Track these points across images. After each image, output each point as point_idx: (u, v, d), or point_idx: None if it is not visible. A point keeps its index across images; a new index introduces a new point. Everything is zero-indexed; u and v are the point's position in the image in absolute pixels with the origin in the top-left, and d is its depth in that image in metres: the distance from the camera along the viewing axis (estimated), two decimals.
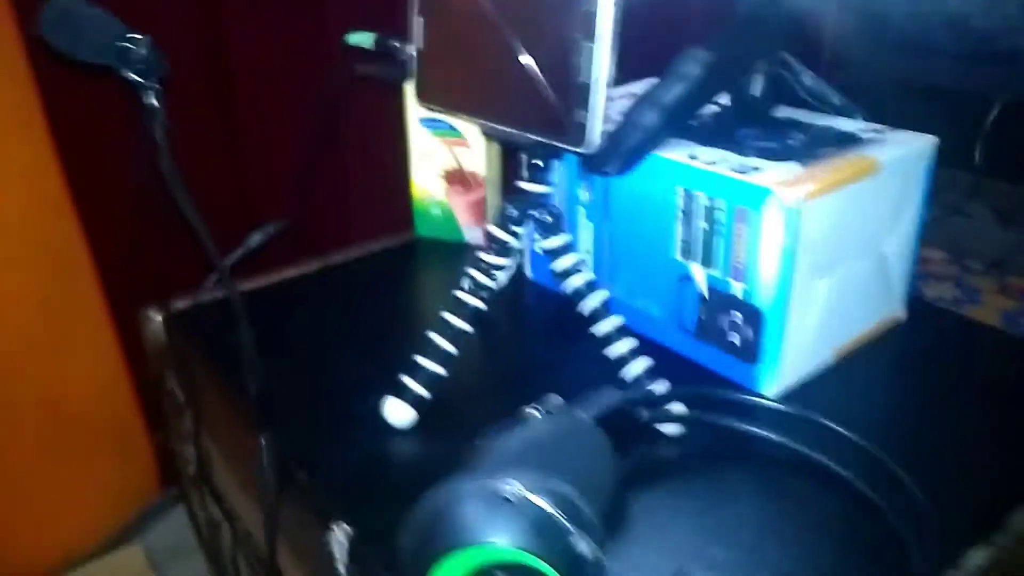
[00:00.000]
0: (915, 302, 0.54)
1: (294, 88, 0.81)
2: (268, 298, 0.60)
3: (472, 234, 0.66)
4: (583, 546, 0.29)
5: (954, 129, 0.55)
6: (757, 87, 0.52)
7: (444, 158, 0.64)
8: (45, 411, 0.91)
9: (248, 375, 0.40)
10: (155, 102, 0.31)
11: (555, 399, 0.35)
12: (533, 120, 0.40)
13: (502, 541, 0.28)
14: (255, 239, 0.60)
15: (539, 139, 0.40)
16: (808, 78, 0.52)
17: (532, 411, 0.34)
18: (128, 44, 0.30)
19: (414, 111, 0.63)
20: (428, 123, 0.63)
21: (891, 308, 0.52)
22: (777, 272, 0.42)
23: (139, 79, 0.30)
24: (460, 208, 0.66)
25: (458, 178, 0.64)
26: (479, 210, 0.65)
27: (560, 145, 0.39)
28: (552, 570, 0.28)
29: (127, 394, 0.99)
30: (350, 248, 0.67)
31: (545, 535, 0.29)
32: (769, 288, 0.43)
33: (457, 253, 0.66)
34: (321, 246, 0.68)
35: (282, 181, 0.73)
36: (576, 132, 0.38)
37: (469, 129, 0.62)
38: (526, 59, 0.39)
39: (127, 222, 0.95)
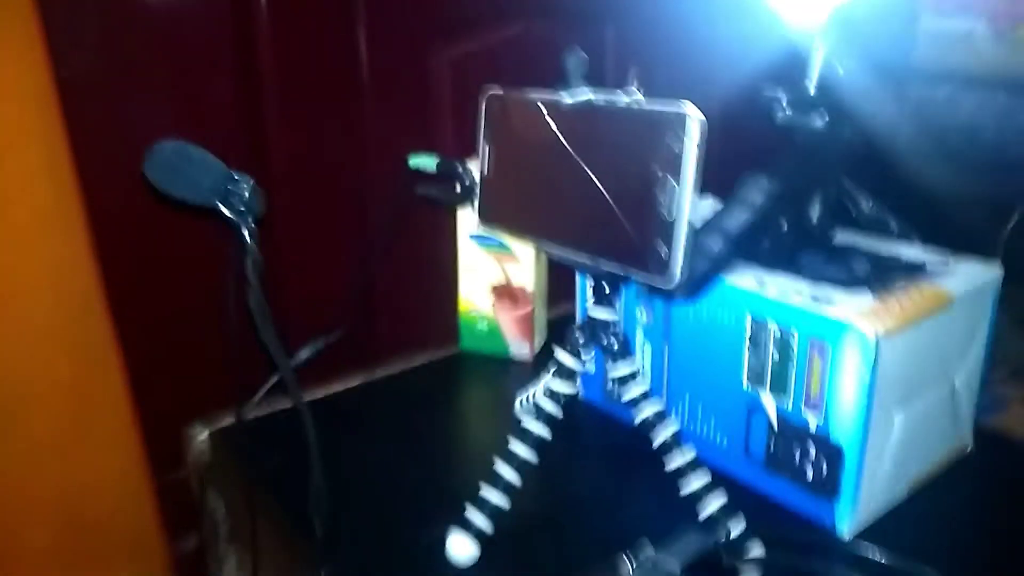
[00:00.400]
0: (982, 431, 0.52)
1: (338, 203, 0.83)
2: (312, 415, 0.59)
3: (518, 349, 0.66)
4: None
5: (973, 237, 0.55)
6: (815, 211, 0.52)
7: (492, 272, 0.64)
8: (62, 514, 0.88)
9: (314, 508, 0.38)
10: (251, 241, 0.31)
11: (646, 545, 0.33)
12: (609, 250, 0.40)
13: None
14: (303, 355, 0.59)
15: (615, 270, 0.40)
16: (865, 202, 0.53)
17: (625, 560, 0.32)
18: (231, 187, 0.30)
19: (464, 225, 0.63)
20: (478, 238, 0.63)
21: (960, 438, 0.51)
22: (855, 406, 0.41)
23: (238, 219, 0.30)
24: (507, 323, 0.65)
25: (506, 293, 0.64)
26: (527, 325, 0.65)
27: (639, 277, 0.39)
28: None
29: (147, 503, 0.96)
30: (394, 361, 0.67)
31: None
32: (847, 422, 0.42)
33: (502, 368, 0.65)
34: (364, 358, 0.67)
35: (326, 295, 0.73)
36: (658, 266, 0.37)
37: (519, 245, 0.62)
38: (604, 192, 0.39)
39: (160, 328, 0.95)
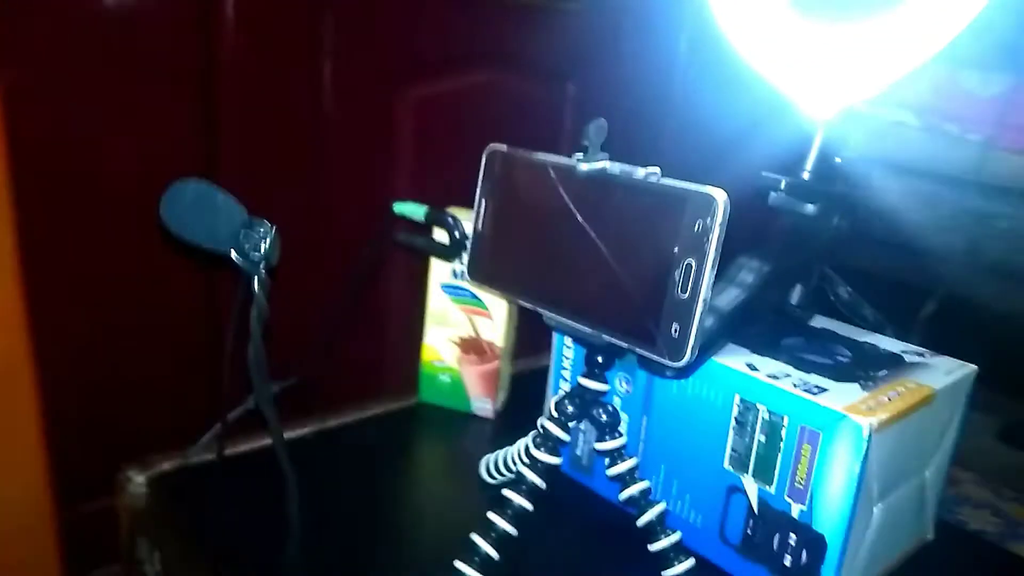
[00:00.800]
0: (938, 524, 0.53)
1: (293, 242, 0.79)
2: (255, 465, 0.55)
3: (480, 405, 0.64)
4: None
5: (891, 319, 0.56)
6: (795, 295, 0.53)
7: (461, 325, 0.62)
8: None
9: (289, 559, 0.35)
10: (260, 291, 0.28)
11: None
12: (613, 323, 0.39)
13: None
14: (250, 403, 0.55)
15: (619, 343, 0.39)
16: (845, 292, 0.54)
17: None
18: (248, 233, 0.27)
19: (436, 275, 0.61)
20: (450, 289, 0.61)
21: (924, 530, 0.51)
22: (842, 496, 0.41)
23: (250, 269, 0.28)
24: (472, 378, 0.63)
25: (473, 347, 0.62)
26: (492, 381, 0.63)
27: (646, 355, 0.38)
28: None
29: (49, 533, 0.89)
30: (348, 410, 0.64)
31: None
32: (832, 512, 0.42)
33: (462, 423, 0.63)
34: (317, 404, 0.64)
35: (289, 338, 0.70)
36: (669, 346, 0.36)
37: (492, 300, 0.61)
38: (613, 264, 0.38)
39: (83, 354, 0.89)
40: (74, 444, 0.88)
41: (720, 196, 0.35)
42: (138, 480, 0.52)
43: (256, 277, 0.28)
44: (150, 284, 0.88)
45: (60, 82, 0.76)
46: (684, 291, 0.36)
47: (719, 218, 0.35)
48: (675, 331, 0.36)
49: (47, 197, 0.79)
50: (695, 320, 0.36)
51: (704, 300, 0.36)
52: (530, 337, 0.71)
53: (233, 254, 0.28)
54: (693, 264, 0.36)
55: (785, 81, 0.46)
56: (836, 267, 0.55)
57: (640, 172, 0.38)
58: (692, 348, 0.36)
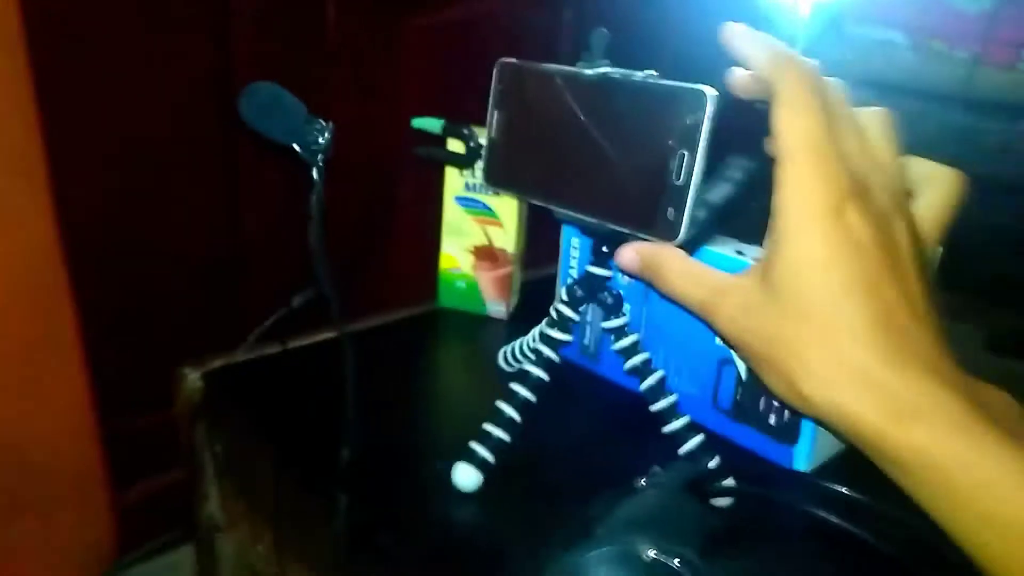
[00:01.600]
0: None
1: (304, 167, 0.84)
2: (299, 361, 0.61)
3: (495, 308, 0.70)
4: None
5: None
6: None
7: (475, 235, 0.68)
8: (9, 456, 0.87)
9: (344, 433, 0.41)
10: (318, 179, 0.34)
11: (657, 470, 0.38)
12: (617, 212, 0.44)
13: None
14: (296, 300, 0.61)
15: (621, 229, 0.44)
16: None
17: (640, 482, 0.37)
18: (309, 129, 0.32)
19: (451, 188, 0.66)
20: (463, 201, 0.66)
21: None
22: None
23: (309, 159, 0.33)
24: (486, 283, 0.69)
25: (487, 254, 0.68)
26: (505, 285, 0.69)
27: (644, 237, 0.43)
28: None
29: (93, 447, 0.95)
30: (371, 316, 0.69)
31: None
32: None
33: (479, 324, 0.69)
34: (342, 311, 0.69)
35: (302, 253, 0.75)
36: (666, 227, 0.42)
37: (503, 209, 0.66)
38: (616, 159, 0.44)
39: (115, 272, 0.94)
40: (111, 363, 0.94)
41: (710, 92, 0.40)
42: (193, 375, 0.58)
43: (315, 167, 0.33)
44: (174, 201, 0.93)
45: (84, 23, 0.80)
46: (678, 178, 0.41)
47: (708, 111, 0.40)
48: (670, 214, 0.42)
49: (74, 131, 0.83)
50: (688, 202, 0.41)
51: (696, 184, 0.41)
52: (539, 250, 0.77)
53: (295, 146, 0.33)
54: (686, 154, 0.41)
55: None
56: None
57: (638, 75, 0.43)
58: (686, 228, 0.41)
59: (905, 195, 0.38)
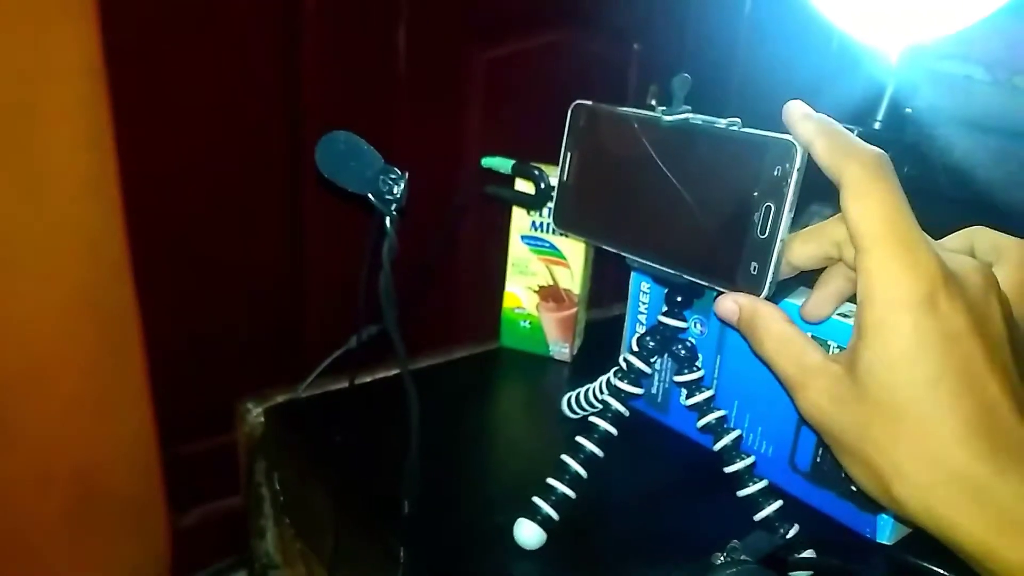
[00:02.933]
0: None
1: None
2: (361, 400, 0.60)
3: (558, 349, 0.68)
4: None
5: None
6: None
7: (540, 274, 0.66)
8: (76, 483, 0.88)
9: (406, 487, 0.40)
10: (391, 230, 0.33)
11: (736, 546, 0.36)
12: (696, 264, 0.42)
13: None
14: (357, 340, 0.60)
15: (699, 282, 0.42)
16: None
17: (718, 558, 0.35)
18: (384, 178, 0.32)
19: (517, 227, 0.65)
20: (529, 240, 0.65)
21: None
22: None
23: (384, 209, 0.32)
24: (550, 324, 0.67)
25: (552, 295, 0.67)
26: (569, 326, 0.67)
27: (725, 291, 0.41)
28: None
29: (155, 471, 0.97)
30: (434, 353, 0.69)
31: None
32: None
33: (541, 366, 0.68)
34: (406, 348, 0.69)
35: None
36: (749, 282, 0.40)
37: (570, 250, 0.65)
38: (696, 209, 0.42)
39: (180, 299, 0.96)
40: (175, 390, 0.95)
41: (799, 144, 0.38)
42: (255, 411, 0.58)
43: (388, 217, 0.32)
44: (240, 231, 0.94)
45: (158, 42, 0.82)
46: (763, 232, 0.39)
47: (797, 163, 0.38)
48: (754, 269, 0.40)
49: (146, 156, 0.85)
50: (773, 258, 0.39)
51: (782, 240, 0.39)
52: (604, 288, 0.75)
53: (371, 197, 0.32)
54: (772, 207, 0.39)
55: (853, 22, 0.48)
56: None
57: (722, 122, 0.41)
58: (770, 284, 0.39)
59: (994, 275, 0.34)
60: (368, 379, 0.63)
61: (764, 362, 0.38)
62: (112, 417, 0.90)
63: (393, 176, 0.32)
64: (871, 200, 0.33)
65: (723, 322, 0.40)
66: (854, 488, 0.47)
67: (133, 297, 0.90)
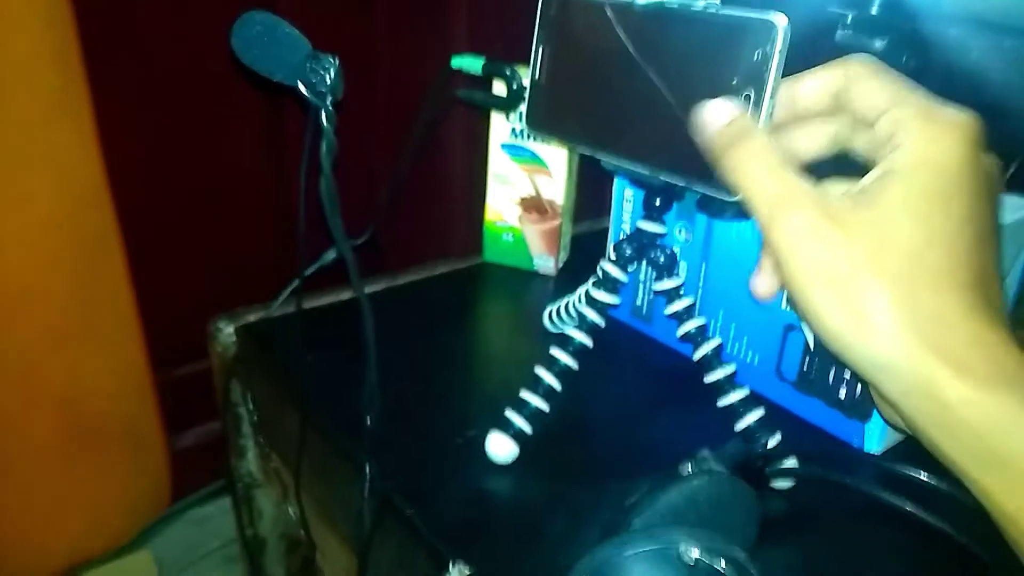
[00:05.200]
0: None
1: (347, 102, 0.80)
2: (337, 317, 0.58)
3: (542, 263, 0.66)
4: None
5: None
6: None
7: (522, 185, 0.63)
8: (64, 409, 0.88)
9: (366, 399, 0.38)
10: (327, 123, 0.30)
11: (705, 454, 0.34)
12: (671, 162, 0.40)
13: None
14: (330, 255, 0.58)
15: (676, 181, 0.40)
16: None
17: (686, 467, 0.33)
18: (314, 66, 0.29)
19: (497, 135, 0.62)
20: (510, 149, 0.62)
21: None
22: None
23: (317, 101, 0.29)
24: (534, 236, 0.65)
25: (535, 206, 0.64)
26: (553, 239, 0.64)
27: (703, 191, 0.38)
28: None
29: (147, 394, 0.96)
30: (416, 269, 0.66)
31: None
32: None
33: (525, 281, 0.65)
34: (382, 265, 0.66)
35: (354, 195, 0.72)
36: None
37: (553, 158, 0.62)
38: (672, 101, 0.39)
39: (163, 220, 0.94)
40: (162, 312, 0.94)
41: (780, 21, 0.34)
42: (227, 330, 0.56)
43: (323, 110, 0.30)
44: (222, 150, 0.91)
45: None
46: None
47: (779, 45, 0.34)
48: None
49: (118, 72, 0.82)
50: None
51: (763, 130, 0.36)
52: (591, 199, 0.72)
53: (300, 86, 0.29)
54: (752, 95, 0.35)
55: None
56: None
57: (698, 4, 0.38)
58: None
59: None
60: (347, 296, 0.61)
61: (733, 188, 0.34)
62: (100, 343, 0.89)
63: (324, 63, 0.29)
64: (885, 76, 0.33)
65: (702, 134, 0.36)
66: (841, 396, 0.46)
67: (114, 221, 0.88)
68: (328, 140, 0.30)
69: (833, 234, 0.29)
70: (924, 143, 0.30)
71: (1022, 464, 0.27)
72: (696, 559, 0.28)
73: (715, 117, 0.35)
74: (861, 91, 0.33)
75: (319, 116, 0.30)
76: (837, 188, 0.33)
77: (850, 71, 0.34)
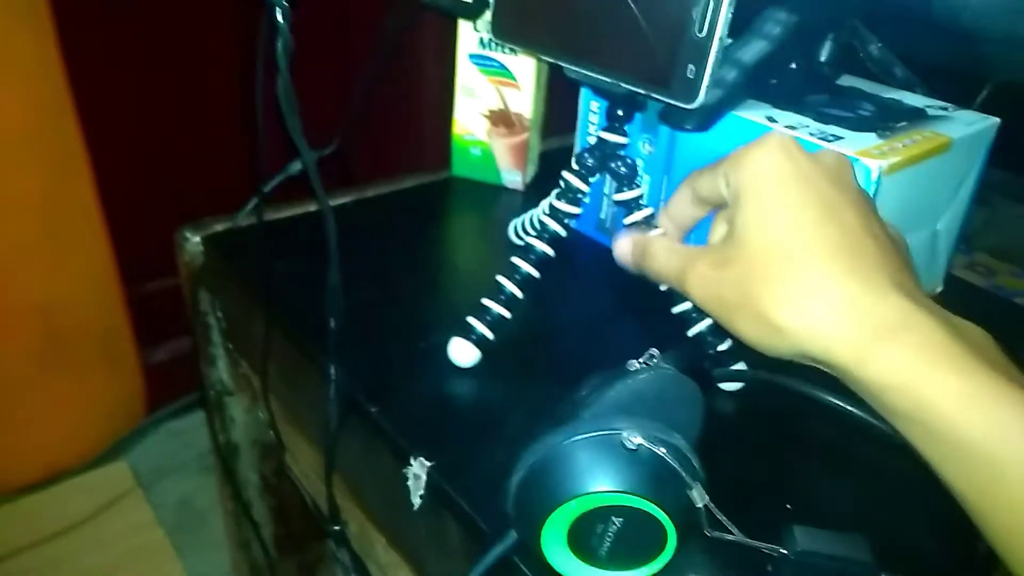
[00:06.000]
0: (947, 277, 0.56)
1: (318, 12, 0.79)
2: (303, 227, 0.59)
3: (510, 177, 0.66)
4: (696, 496, 0.30)
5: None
6: (825, 52, 0.52)
7: (490, 98, 0.63)
8: (38, 320, 0.89)
9: (329, 305, 0.39)
10: (283, 22, 0.30)
11: (654, 353, 0.36)
12: (631, 69, 0.40)
13: (622, 488, 0.29)
14: (295, 166, 0.58)
15: (636, 89, 0.40)
16: (876, 48, 0.53)
17: (635, 364, 0.35)
18: None
19: (465, 45, 0.61)
20: (478, 60, 0.62)
21: (934, 281, 0.54)
22: None
23: None
24: (501, 150, 0.65)
25: (502, 119, 0.64)
26: (521, 153, 0.65)
27: (661, 98, 0.39)
28: (668, 517, 0.29)
29: (119, 308, 0.97)
30: (383, 182, 0.66)
31: (665, 484, 0.30)
32: None
33: (493, 195, 0.66)
34: (351, 179, 0.66)
35: (324, 109, 0.71)
36: (683, 87, 0.37)
37: (520, 70, 0.61)
38: (634, 8, 0.39)
39: (130, 134, 0.92)
40: (131, 226, 0.93)
41: None
42: (194, 240, 0.56)
43: (278, 7, 0.29)
44: (185, 61, 0.89)
45: None
46: (701, 31, 0.36)
47: None
48: (690, 72, 0.37)
49: None
50: (710, 59, 0.36)
51: (720, 38, 0.36)
52: (561, 114, 0.72)
53: None
54: (711, 2, 0.36)
55: None
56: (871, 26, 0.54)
57: None
58: (707, 88, 0.37)
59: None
60: (312, 208, 0.61)
61: (660, 279, 0.40)
62: (70, 254, 0.90)
63: None
64: (708, 170, 0.39)
65: (623, 266, 0.43)
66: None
67: (78, 133, 0.87)
68: (284, 38, 0.30)
69: (722, 272, 0.35)
70: (737, 173, 0.35)
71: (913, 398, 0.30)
72: (638, 444, 0.29)
73: (624, 247, 0.42)
74: (701, 185, 0.39)
75: (274, 12, 0.30)
76: (720, 231, 0.39)
77: (689, 181, 0.40)
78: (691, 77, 0.37)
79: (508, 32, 0.46)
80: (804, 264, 0.32)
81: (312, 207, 0.61)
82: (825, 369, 0.33)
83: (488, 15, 0.46)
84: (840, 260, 0.32)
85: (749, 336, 0.34)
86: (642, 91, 0.40)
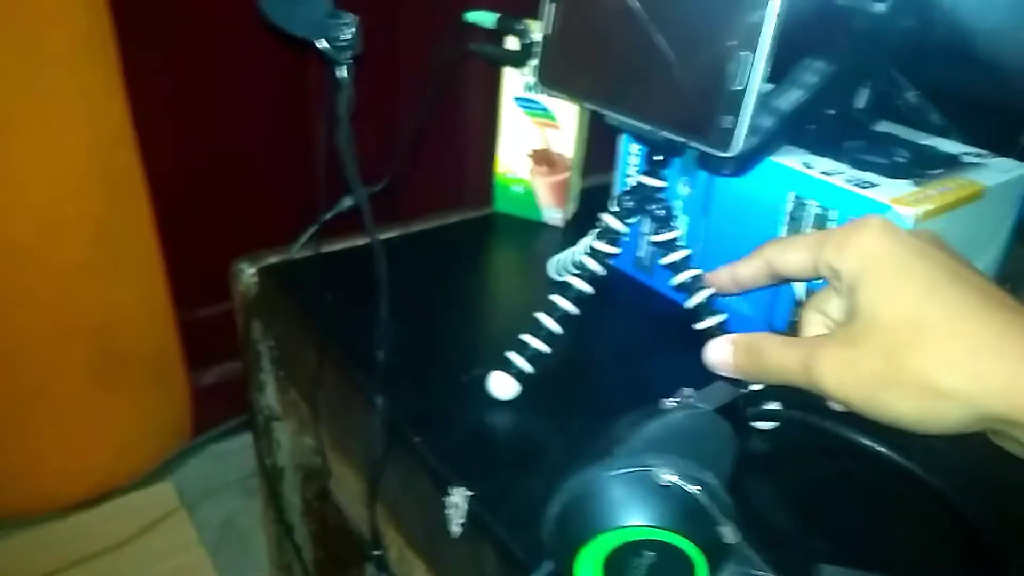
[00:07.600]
0: None
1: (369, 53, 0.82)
2: (350, 260, 0.61)
3: (551, 215, 0.68)
4: (729, 534, 0.31)
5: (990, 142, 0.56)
6: (862, 100, 0.53)
7: (533, 138, 0.65)
8: (94, 339, 0.92)
9: (378, 336, 0.41)
10: (347, 78, 0.32)
11: (687, 392, 0.37)
12: (670, 118, 0.42)
13: (654, 523, 0.30)
14: (346, 202, 0.61)
15: (675, 138, 0.42)
16: (912, 95, 0.54)
17: (669, 402, 0.36)
18: (334, 23, 0.31)
19: (510, 89, 0.64)
20: (522, 102, 0.64)
21: None
22: None
23: (336, 56, 0.31)
24: (543, 188, 0.67)
25: (544, 159, 0.66)
26: (562, 191, 0.67)
27: (699, 147, 0.41)
28: (699, 553, 0.31)
29: (171, 331, 1.01)
30: (429, 217, 0.69)
31: (696, 521, 0.31)
32: None
33: (534, 231, 0.68)
34: (397, 213, 0.69)
35: (372, 144, 0.74)
36: (721, 137, 0.39)
37: (563, 112, 0.63)
38: (674, 59, 0.40)
39: (188, 167, 0.96)
40: (185, 254, 0.97)
41: None
42: (249, 271, 0.59)
43: (343, 64, 0.32)
44: (242, 100, 0.93)
45: None
46: (739, 83, 0.38)
47: (773, 7, 0.36)
48: (728, 122, 0.39)
49: (143, 16, 0.84)
50: (747, 110, 0.38)
51: (756, 91, 0.38)
52: (601, 154, 0.74)
53: (322, 42, 0.31)
54: (747, 56, 0.37)
55: None
56: (908, 73, 0.55)
57: None
58: (744, 137, 0.38)
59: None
60: (363, 242, 0.64)
61: (772, 377, 0.37)
62: (125, 277, 0.94)
63: (343, 20, 0.31)
64: (792, 243, 0.39)
65: (720, 372, 0.40)
66: None
67: (138, 162, 0.91)
68: (346, 94, 0.33)
69: (858, 351, 0.33)
70: (845, 260, 0.34)
71: None
72: (670, 482, 0.31)
73: (723, 351, 0.40)
74: (785, 264, 0.38)
75: (339, 71, 0.32)
76: (815, 321, 0.38)
77: (766, 255, 0.39)
78: (728, 127, 0.39)
79: (553, 81, 0.48)
80: (956, 324, 0.31)
81: (359, 241, 0.64)
82: (1002, 428, 0.31)
83: (534, 63, 0.48)
84: (988, 313, 0.31)
85: (907, 411, 0.32)
86: (680, 139, 0.41)
